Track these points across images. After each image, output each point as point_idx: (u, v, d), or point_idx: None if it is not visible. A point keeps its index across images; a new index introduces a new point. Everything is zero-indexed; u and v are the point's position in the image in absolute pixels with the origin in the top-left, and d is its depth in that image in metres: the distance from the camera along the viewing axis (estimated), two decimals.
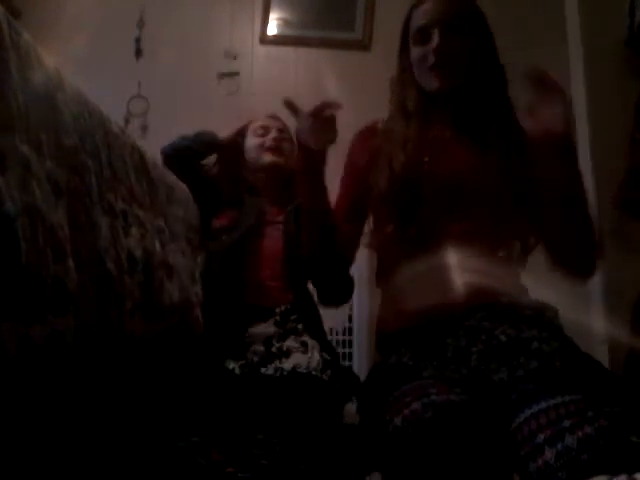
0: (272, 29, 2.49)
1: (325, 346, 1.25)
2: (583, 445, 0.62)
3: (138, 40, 2.40)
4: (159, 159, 1.39)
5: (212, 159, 1.53)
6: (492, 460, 0.72)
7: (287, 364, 1.10)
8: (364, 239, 1.15)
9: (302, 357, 1.12)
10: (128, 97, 2.33)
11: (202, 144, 1.48)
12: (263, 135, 1.49)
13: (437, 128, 1.07)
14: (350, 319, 1.91)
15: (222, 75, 2.40)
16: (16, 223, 0.54)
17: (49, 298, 0.59)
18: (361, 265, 1.89)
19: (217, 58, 2.41)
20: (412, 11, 1.08)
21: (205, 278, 1.29)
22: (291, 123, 1.44)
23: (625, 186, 1.98)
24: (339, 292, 1.23)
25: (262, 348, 1.16)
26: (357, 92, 2.22)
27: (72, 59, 1.91)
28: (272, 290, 1.31)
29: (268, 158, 1.46)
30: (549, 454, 0.64)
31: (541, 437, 0.66)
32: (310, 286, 1.36)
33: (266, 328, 1.21)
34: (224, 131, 1.54)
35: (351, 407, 1.15)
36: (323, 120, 0.99)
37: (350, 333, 1.89)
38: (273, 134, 1.47)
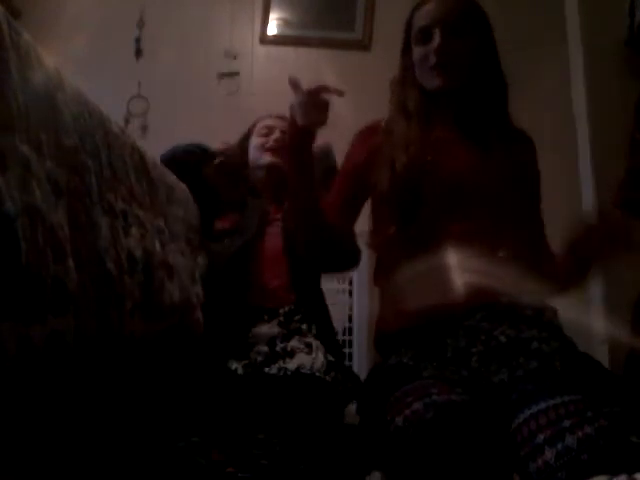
0: (272, 29, 2.49)
1: (331, 346, 1.24)
2: (583, 445, 0.62)
3: (138, 40, 2.40)
4: (159, 159, 1.39)
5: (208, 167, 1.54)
6: (493, 460, 0.72)
7: (291, 364, 1.10)
8: (364, 239, 1.15)
9: (306, 358, 1.12)
10: (128, 97, 2.33)
11: (200, 150, 1.48)
12: (266, 135, 1.49)
13: (438, 129, 1.07)
14: (350, 319, 1.91)
15: (222, 75, 2.40)
16: (16, 223, 0.54)
17: (49, 298, 0.59)
18: (361, 265, 1.89)
19: (217, 58, 2.41)
20: (414, 12, 1.09)
21: (208, 280, 1.29)
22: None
23: (625, 186, 1.98)
24: (341, 260, 1.23)
25: (266, 348, 1.15)
26: (357, 92, 2.22)
27: (72, 59, 1.92)
28: (275, 290, 1.31)
29: (267, 159, 1.46)
30: (549, 454, 0.64)
31: (541, 437, 0.65)
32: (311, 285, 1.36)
33: (270, 329, 1.21)
34: (225, 131, 1.55)
35: (351, 407, 1.15)
36: (316, 100, 0.99)
37: (350, 333, 1.90)
38: (276, 135, 1.47)
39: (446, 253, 0.95)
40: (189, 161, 1.45)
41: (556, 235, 1.10)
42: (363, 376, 1.11)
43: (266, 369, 1.11)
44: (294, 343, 1.17)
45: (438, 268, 0.94)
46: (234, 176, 1.50)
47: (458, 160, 1.04)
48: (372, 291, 1.43)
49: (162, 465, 0.87)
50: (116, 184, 0.82)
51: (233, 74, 2.40)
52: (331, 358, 1.18)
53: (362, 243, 1.21)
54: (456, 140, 1.06)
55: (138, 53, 2.40)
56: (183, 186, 1.29)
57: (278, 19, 2.50)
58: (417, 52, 1.06)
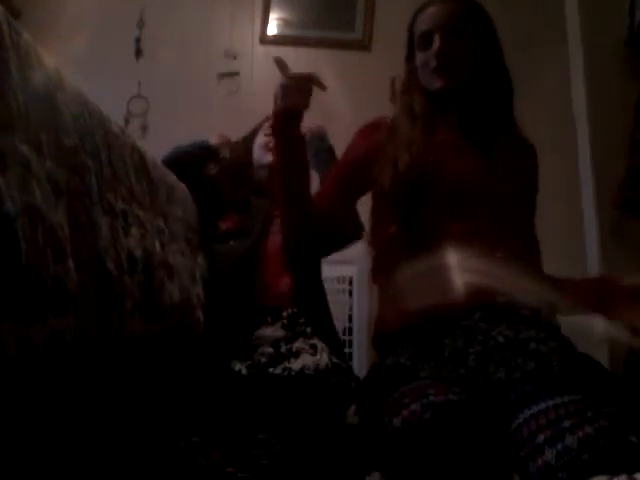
0: (272, 29, 2.49)
1: (334, 347, 1.24)
2: (583, 445, 0.62)
3: (138, 40, 2.40)
4: (159, 159, 1.39)
5: (211, 166, 1.54)
6: (492, 460, 0.72)
7: (295, 364, 1.10)
8: (365, 237, 1.16)
9: (311, 359, 1.12)
10: (128, 97, 2.33)
11: (201, 150, 1.48)
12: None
13: (442, 131, 1.08)
14: (350, 319, 1.91)
15: (222, 75, 2.40)
16: (16, 223, 0.54)
17: (49, 298, 0.59)
18: (361, 265, 1.90)
19: (217, 58, 2.41)
20: (416, 16, 1.10)
21: (213, 281, 1.29)
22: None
23: (625, 186, 1.98)
24: (338, 242, 1.27)
25: (271, 349, 1.15)
26: (357, 92, 2.23)
27: (72, 59, 1.92)
28: (278, 290, 1.31)
29: (269, 158, 1.46)
30: (549, 454, 0.64)
31: (541, 437, 0.65)
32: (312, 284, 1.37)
33: (274, 332, 1.20)
34: (225, 131, 1.55)
35: (353, 408, 1.15)
36: (300, 83, 1.01)
37: (350, 333, 1.90)
38: None
39: (445, 253, 0.95)
40: (190, 162, 1.45)
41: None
42: (363, 376, 1.11)
43: (270, 369, 1.10)
44: (299, 344, 1.17)
45: (437, 268, 0.94)
46: (238, 176, 1.51)
47: (460, 161, 1.04)
48: (372, 291, 1.43)
49: (162, 465, 0.87)
50: (116, 184, 0.82)
51: (233, 74, 2.40)
52: (336, 360, 1.18)
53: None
54: (459, 142, 1.07)
55: (138, 53, 2.40)
56: (183, 186, 1.29)
57: (278, 19, 2.50)
58: (419, 57, 1.08)
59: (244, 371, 1.10)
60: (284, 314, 1.24)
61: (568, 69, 2.30)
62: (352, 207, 1.20)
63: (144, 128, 2.32)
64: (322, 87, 1.01)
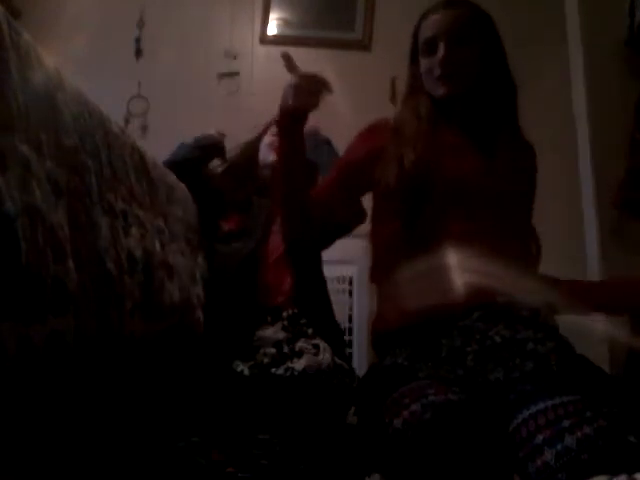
0: (272, 29, 2.49)
1: (337, 347, 1.24)
2: (582, 445, 0.62)
3: (138, 40, 2.40)
4: (159, 159, 1.39)
5: (216, 162, 1.54)
6: (493, 460, 0.72)
7: (298, 365, 1.10)
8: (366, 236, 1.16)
9: (313, 359, 1.12)
10: (128, 97, 2.33)
11: (203, 149, 1.48)
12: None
13: (446, 133, 1.08)
14: (350, 319, 1.91)
15: (222, 75, 2.40)
16: (16, 223, 0.54)
17: (49, 298, 0.59)
18: (361, 265, 1.90)
19: (217, 58, 2.41)
20: (420, 22, 1.10)
21: (215, 281, 1.29)
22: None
23: (625, 186, 1.98)
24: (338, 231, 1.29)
25: (273, 350, 1.15)
26: (357, 92, 2.23)
27: (72, 59, 1.92)
28: (279, 289, 1.31)
29: (272, 158, 1.47)
30: (548, 455, 0.64)
31: (540, 438, 0.65)
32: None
33: (275, 333, 1.20)
34: (225, 131, 1.55)
35: (353, 408, 1.15)
36: (310, 83, 1.00)
37: (350, 333, 1.90)
38: None
39: (445, 253, 0.95)
40: (193, 160, 1.45)
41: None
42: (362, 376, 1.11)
43: (273, 369, 1.10)
44: (301, 344, 1.17)
45: (437, 268, 0.94)
46: (243, 175, 1.51)
47: (461, 161, 1.05)
48: (372, 291, 1.43)
49: (162, 465, 0.87)
50: (116, 184, 0.82)
51: (233, 74, 2.40)
52: (338, 360, 1.18)
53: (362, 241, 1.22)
54: (462, 144, 1.08)
55: (138, 53, 2.40)
56: (183, 186, 1.29)
57: (278, 19, 2.50)
58: (423, 64, 1.08)
59: (246, 372, 1.10)
60: (284, 314, 1.24)
61: (568, 69, 2.30)
62: (349, 204, 1.21)
63: (144, 128, 2.32)
64: (329, 90, 1.01)
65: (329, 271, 1.51)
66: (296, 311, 1.25)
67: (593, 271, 2.03)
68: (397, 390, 0.82)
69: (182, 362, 1.07)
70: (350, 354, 1.85)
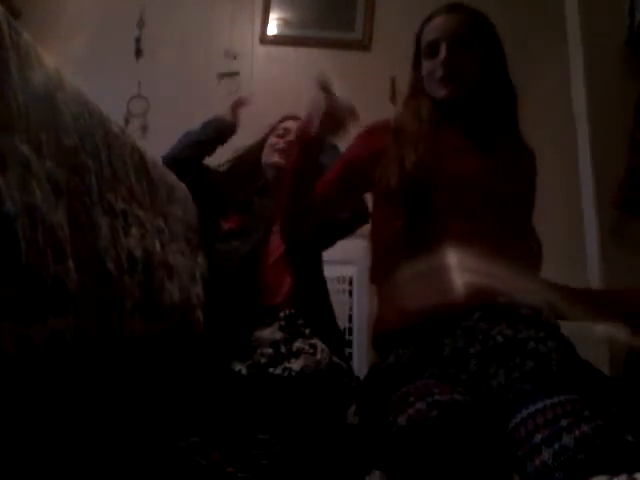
0: (272, 29, 2.49)
1: (335, 347, 1.24)
2: (580, 444, 0.62)
3: (138, 40, 2.40)
4: (159, 159, 1.40)
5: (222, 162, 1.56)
6: (496, 458, 0.72)
7: (296, 365, 1.11)
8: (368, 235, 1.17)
9: (311, 359, 1.12)
10: (128, 97, 2.33)
11: (213, 132, 1.49)
12: (282, 136, 1.51)
13: (448, 134, 1.09)
14: (350, 319, 1.91)
15: (222, 75, 2.40)
16: (16, 223, 0.54)
17: (49, 298, 0.59)
18: (361, 265, 1.90)
19: (217, 58, 2.41)
20: (423, 26, 1.11)
21: (213, 280, 1.29)
22: None
23: (625, 186, 1.98)
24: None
25: (270, 350, 1.16)
26: (357, 92, 2.22)
27: (72, 59, 1.92)
28: (279, 288, 1.31)
29: (274, 159, 1.48)
30: (546, 454, 0.64)
31: (538, 437, 0.65)
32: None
33: (272, 334, 1.21)
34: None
35: (353, 408, 1.15)
36: (339, 113, 1.00)
37: (350, 333, 1.90)
38: (290, 137, 1.48)
39: (446, 253, 0.95)
40: (203, 145, 1.46)
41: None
42: (363, 376, 1.11)
43: (271, 369, 1.11)
44: (299, 344, 1.17)
45: (438, 268, 0.94)
46: (244, 177, 1.52)
47: (464, 162, 1.06)
48: (372, 291, 1.43)
49: (162, 465, 0.87)
50: (116, 184, 0.82)
51: (233, 74, 2.40)
52: (336, 360, 1.18)
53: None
54: (464, 145, 1.09)
55: (138, 53, 2.40)
56: (183, 186, 1.29)
57: (278, 19, 2.49)
58: (426, 66, 1.09)
59: (244, 371, 1.11)
60: (281, 315, 1.24)
61: (568, 69, 2.30)
62: (347, 203, 1.21)
63: (144, 128, 2.32)
64: (356, 119, 1.01)
65: (329, 271, 1.51)
66: (293, 311, 1.25)
67: (593, 271, 2.02)
68: (401, 388, 0.82)
69: (182, 362, 1.07)
70: (350, 354, 1.85)
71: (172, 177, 1.20)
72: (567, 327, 0.93)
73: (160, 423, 0.95)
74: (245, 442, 0.93)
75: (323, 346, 1.18)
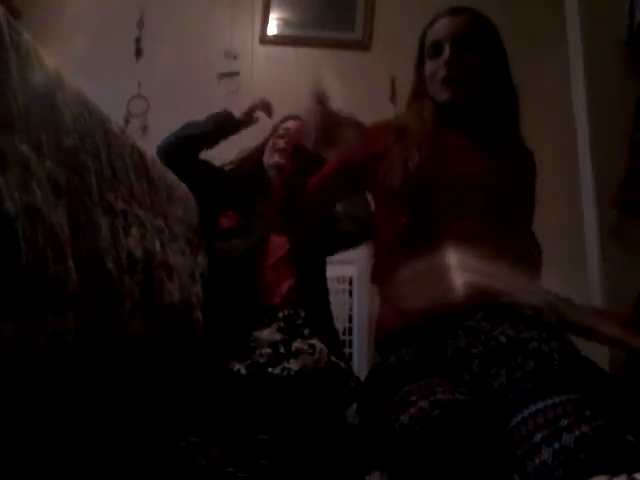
0: (272, 29, 2.48)
1: (333, 347, 1.24)
2: (580, 444, 0.62)
3: (138, 40, 2.40)
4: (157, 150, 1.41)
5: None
6: (497, 459, 0.72)
7: (295, 365, 1.11)
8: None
9: (310, 359, 1.13)
10: (128, 97, 2.33)
11: (213, 126, 1.49)
12: (283, 137, 1.51)
13: (450, 136, 1.09)
14: (350, 319, 1.91)
15: (222, 75, 2.40)
16: (16, 223, 0.54)
17: (49, 298, 0.59)
18: (361, 265, 1.89)
19: (217, 58, 2.41)
20: (427, 29, 1.12)
21: (211, 278, 1.29)
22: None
23: (625, 186, 1.98)
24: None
25: (269, 350, 1.16)
26: (357, 92, 2.23)
27: (72, 59, 1.92)
28: (278, 288, 1.31)
29: (275, 159, 1.48)
30: (546, 453, 0.63)
31: (538, 436, 0.65)
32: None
33: (271, 334, 1.21)
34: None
35: (352, 408, 1.15)
36: (334, 129, 0.97)
37: (350, 333, 1.89)
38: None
39: (448, 253, 0.95)
40: (184, 146, 1.46)
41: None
42: (363, 376, 1.11)
43: (270, 369, 1.11)
44: (298, 344, 1.17)
45: (440, 268, 0.95)
46: (245, 178, 1.53)
47: (466, 162, 1.06)
48: (372, 291, 1.43)
49: (162, 465, 0.87)
50: (116, 184, 0.82)
51: (233, 74, 2.40)
52: (335, 360, 1.18)
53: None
54: (466, 145, 1.09)
55: (138, 53, 2.40)
56: (183, 186, 1.29)
57: (278, 19, 2.49)
58: (429, 66, 1.10)
59: (243, 371, 1.11)
60: (280, 315, 1.24)
61: (568, 69, 2.30)
62: (340, 200, 1.24)
63: (144, 128, 2.32)
64: (357, 128, 0.99)
65: (329, 271, 1.51)
66: (292, 312, 1.25)
67: (593, 271, 2.02)
68: (404, 387, 0.82)
69: (182, 362, 1.07)
70: (350, 354, 1.85)
71: (172, 177, 1.20)
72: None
73: (160, 423, 0.95)
74: (245, 442, 0.93)
75: (322, 346, 1.18)
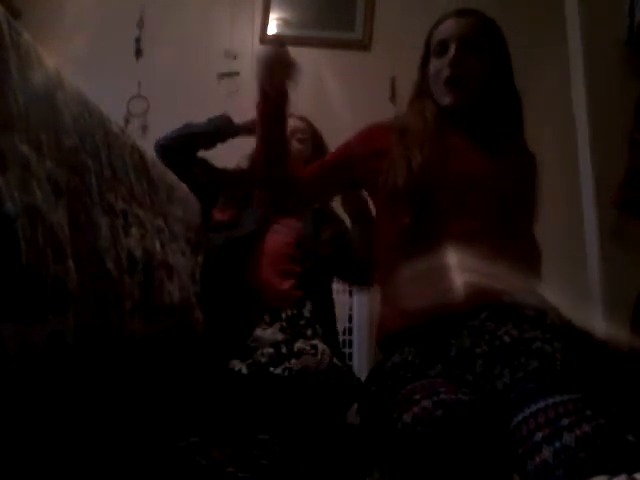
0: (272, 29, 2.48)
1: (334, 348, 1.24)
2: (581, 443, 0.62)
3: (138, 40, 2.40)
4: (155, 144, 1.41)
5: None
6: (499, 459, 0.72)
7: (296, 365, 1.11)
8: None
9: (312, 359, 1.12)
10: (128, 97, 2.33)
11: (212, 128, 1.50)
12: None
13: (452, 135, 1.09)
14: (350, 319, 1.91)
15: (222, 75, 2.40)
16: (16, 223, 0.54)
17: (49, 298, 0.59)
18: None
19: (217, 58, 2.41)
20: (433, 30, 1.12)
21: (205, 273, 1.30)
22: (320, 126, 1.52)
23: (625, 186, 1.98)
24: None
25: (271, 350, 1.16)
26: (357, 92, 2.23)
27: (72, 59, 1.92)
28: (277, 290, 1.31)
29: None
30: (547, 452, 0.63)
31: (539, 436, 0.65)
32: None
33: (273, 334, 1.20)
34: None
35: (353, 408, 1.15)
36: (282, 58, 1.06)
37: (350, 333, 1.89)
38: (290, 134, 1.49)
39: (449, 253, 0.95)
40: (181, 144, 1.46)
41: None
42: (363, 376, 1.11)
43: (271, 369, 1.11)
44: (300, 344, 1.17)
45: (442, 268, 0.95)
46: (244, 174, 1.53)
47: (468, 162, 1.06)
48: (372, 291, 1.43)
49: (162, 465, 0.87)
50: (116, 184, 0.82)
51: (233, 74, 2.40)
52: (336, 361, 1.18)
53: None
54: (468, 146, 1.09)
55: (138, 53, 2.40)
56: (183, 186, 1.29)
57: (278, 19, 2.49)
58: (433, 64, 1.10)
59: (244, 370, 1.11)
60: (283, 315, 1.24)
61: (568, 69, 2.30)
62: (332, 193, 1.28)
63: (144, 128, 2.32)
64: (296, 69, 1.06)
65: None
66: (295, 312, 1.25)
67: (593, 271, 2.03)
68: (406, 386, 0.82)
69: (182, 362, 1.07)
70: (350, 354, 1.85)
71: (172, 177, 1.20)
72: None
73: (160, 423, 0.95)
74: (245, 442, 0.93)
75: (324, 347, 1.18)
